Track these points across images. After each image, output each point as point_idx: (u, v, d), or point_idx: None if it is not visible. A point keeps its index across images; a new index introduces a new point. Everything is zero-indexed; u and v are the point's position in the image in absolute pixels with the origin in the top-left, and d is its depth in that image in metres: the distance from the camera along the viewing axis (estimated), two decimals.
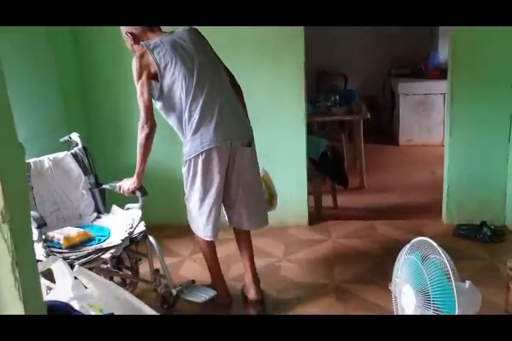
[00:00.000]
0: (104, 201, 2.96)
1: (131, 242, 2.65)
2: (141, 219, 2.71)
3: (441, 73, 6.22)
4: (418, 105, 6.43)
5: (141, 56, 2.51)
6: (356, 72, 7.00)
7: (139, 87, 2.51)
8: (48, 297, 1.66)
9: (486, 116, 3.62)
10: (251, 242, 2.97)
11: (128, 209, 2.85)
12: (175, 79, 2.53)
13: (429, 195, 4.55)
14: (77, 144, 2.93)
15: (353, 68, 6.95)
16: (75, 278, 1.66)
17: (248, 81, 3.67)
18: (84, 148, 2.92)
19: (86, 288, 1.65)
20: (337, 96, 5.10)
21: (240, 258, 3.07)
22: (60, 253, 2.42)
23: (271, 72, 3.70)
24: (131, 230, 2.64)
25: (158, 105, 2.65)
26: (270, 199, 3.15)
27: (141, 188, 2.70)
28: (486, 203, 3.77)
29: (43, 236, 2.37)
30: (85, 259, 2.40)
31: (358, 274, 3.20)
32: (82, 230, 2.59)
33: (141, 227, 2.69)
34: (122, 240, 2.55)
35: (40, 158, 2.82)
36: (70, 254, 2.42)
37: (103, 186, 2.91)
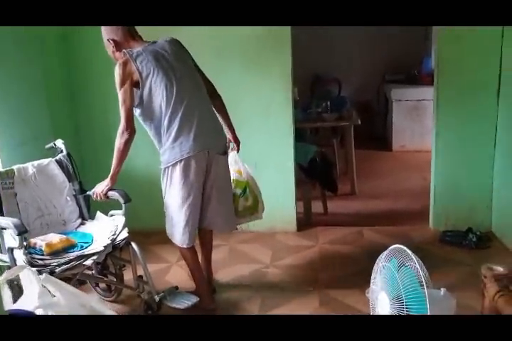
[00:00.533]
0: (89, 207, 2.98)
1: (114, 249, 2.66)
2: (125, 225, 2.73)
3: (433, 79, 6.28)
4: (411, 111, 6.44)
5: (124, 64, 2.57)
6: (351, 77, 7.03)
7: (122, 94, 2.57)
8: (15, 305, 1.68)
9: (472, 122, 3.64)
10: (212, 244, 3.17)
11: (112, 215, 2.87)
12: (156, 89, 2.59)
13: (419, 201, 4.54)
14: (61, 151, 2.95)
15: (347, 74, 6.99)
16: (43, 286, 1.67)
17: (235, 88, 3.73)
18: (68, 154, 2.94)
19: (53, 296, 1.66)
20: (328, 103, 5.14)
21: (227, 264, 3.41)
22: (42, 259, 2.43)
23: (258, 78, 3.72)
24: (114, 237, 2.65)
25: (136, 112, 2.70)
26: (255, 205, 3.17)
27: (124, 195, 2.72)
28: (472, 209, 3.78)
29: (25, 243, 2.37)
30: (67, 266, 2.42)
31: (343, 280, 3.20)
32: (64, 237, 2.60)
33: (124, 234, 2.70)
34: (105, 247, 2.56)
35: (24, 165, 2.84)
36: (52, 261, 2.43)
37: (87, 193, 2.92)
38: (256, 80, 3.73)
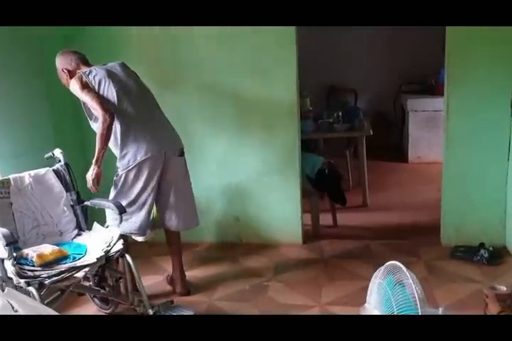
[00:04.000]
0: (86, 218, 2.94)
1: (108, 261, 2.61)
2: (120, 237, 2.68)
3: None
4: (428, 122, 6.29)
5: (79, 78, 2.84)
6: (367, 87, 6.96)
7: (87, 93, 2.79)
8: None
9: (484, 134, 3.51)
10: (180, 244, 3.27)
11: (108, 226, 2.82)
12: (108, 97, 2.83)
13: (431, 214, 4.39)
14: (59, 160, 2.92)
15: (363, 84, 6.91)
16: (7, 300, 1.62)
17: (239, 98, 3.68)
18: (66, 164, 2.91)
19: (16, 311, 1.62)
20: (340, 113, 5.04)
21: (227, 278, 3.42)
22: (32, 271, 2.39)
23: (262, 88, 3.66)
24: (108, 248, 2.60)
25: (94, 126, 2.91)
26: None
27: (119, 206, 2.68)
28: (485, 224, 3.64)
29: (14, 254, 2.33)
30: (57, 278, 2.37)
31: (346, 297, 3.10)
32: (57, 248, 2.55)
33: (119, 246, 2.65)
34: (98, 259, 2.51)
35: (21, 174, 2.81)
36: (42, 272, 2.38)
37: (85, 203, 2.89)
38: (260, 90, 3.67)
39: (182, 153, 3.09)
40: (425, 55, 6.54)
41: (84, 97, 2.81)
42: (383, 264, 3.47)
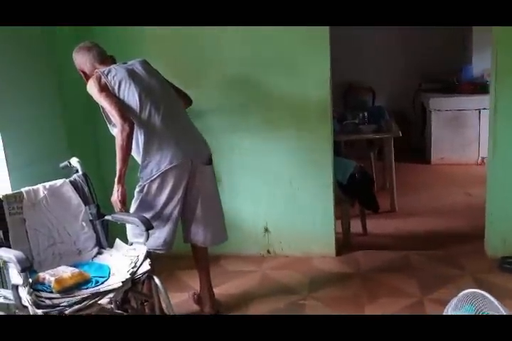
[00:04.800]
0: (107, 234, 2.65)
1: (134, 284, 2.32)
2: (147, 256, 2.40)
3: (475, 88, 5.95)
4: (451, 121, 6.08)
5: (97, 78, 2.58)
6: (385, 86, 6.75)
7: (105, 98, 2.54)
8: None
9: None
10: (208, 259, 3.02)
11: (132, 244, 2.54)
12: (130, 99, 2.58)
13: (466, 220, 4.18)
14: (77, 170, 2.64)
15: (381, 82, 6.68)
16: None
17: (268, 99, 3.40)
18: (84, 174, 2.63)
19: None
20: (365, 113, 4.78)
21: (258, 295, 3.14)
22: (50, 298, 2.10)
23: (293, 87, 3.38)
24: (134, 270, 2.32)
25: (114, 131, 2.63)
26: None
27: (145, 221, 2.41)
28: None
29: (30, 280, 2.06)
30: (79, 306, 2.08)
31: None
32: (77, 270, 2.27)
33: (146, 266, 2.35)
34: (123, 282, 2.22)
35: (35, 187, 2.53)
36: (62, 300, 2.09)
37: (106, 217, 2.61)
38: (290, 89, 3.39)
39: (210, 161, 2.83)
40: (446, 52, 6.34)
41: (103, 102, 2.55)
42: (427, 278, 3.27)
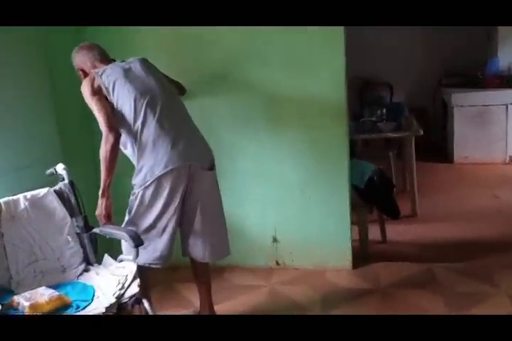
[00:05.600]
0: (96, 249, 2.38)
1: (121, 308, 2.04)
2: (136, 276, 2.12)
3: (501, 81, 5.65)
4: (475, 118, 5.76)
5: (91, 79, 2.44)
6: (403, 81, 6.48)
7: (96, 101, 2.38)
8: None
9: None
10: (209, 276, 2.77)
11: (121, 261, 2.27)
12: (125, 100, 2.40)
13: (496, 226, 3.87)
14: (63, 178, 2.37)
15: (399, 77, 6.42)
16: None
17: (277, 96, 3.10)
18: (71, 183, 2.36)
19: None
20: (384, 110, 4.48)
21: (266, 313, 2.83)
22: None
23: (305, 84, 3.07)
24: (121, 292, 2.05)
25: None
26: None
27: (134, 236, 2.12)
28: None
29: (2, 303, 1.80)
30: None
31: None
32: (56, 294, 2.00)
33: (134, 288, 2.08)
34: (106, 308, 1.95)
35: (15, 197, 2.27)
36: None
37: (94, 230, 2.34)
38: (302, 87, 3.08)
39: (212, 166, 2.56)
40: (468, 43, 6.01)
41: (93, 106, 2.39)
42: (455, 296, 2.91)
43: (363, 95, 6.42)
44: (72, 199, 2.35)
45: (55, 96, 2.98)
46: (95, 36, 2.90)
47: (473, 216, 4.15)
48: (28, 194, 2.30)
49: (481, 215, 4.15)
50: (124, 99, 2.39)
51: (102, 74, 2.42)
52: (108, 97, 2.41)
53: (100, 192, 2.36)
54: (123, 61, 2.55)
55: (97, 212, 2.37)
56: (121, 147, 2.49)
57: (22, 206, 2.26)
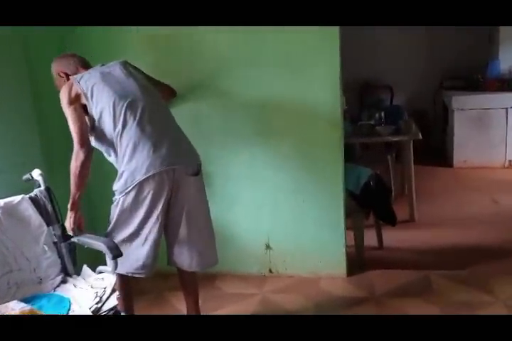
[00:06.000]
0: (74, 259, 2.27)
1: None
2: (114, 289, 2.01)
3: (502, 85, 5.59)
4: (475, 121, 5.68)
5: (69, 85, 2.36)
6: (404, 84, 6.41)
7: (71, 111, 2.30)
8: None
9: None
10: (197, 285, 2.66)
11: (100, 272, 2.16)
12: (104, 105, 2.31)
13: (495, 232, 3.77)
14: (39, 185, 2.26)
15: (400, 80, 6.36)
16: None
17: (269, 99, 2.99)
18: (47, 189, 2.25)
19: None
20: (382, 113, 4.37)
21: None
22: None
23: (297, 88, 2.95)
24: (98, 306, 1.94)
25: (92, 142, 2.39)
26: None
27: (112, 247, 2.02)
28: None
29: None
30: None
31: None
32: (27, 308, 1.89)
33: (113, 301, 1.97)
34: None
35: None
36: None
37: (72, 239, 2.23)
38: (295, 91, 2.96)
39: (198, 172, 2.44)
40: (469, 46, 5.92)
41: (68, 116, 2.32)
42: (451, 305, 2.76)
43: (363, 98, 6.33)
44: (49, 207, 2.24)
45: (36, 98, 2.87)
46: (80, 37, 2.82)
47: (472, 221, 4.05)
48: (1, 201, 2.19)
49: (480, 221, 4.05)
50: (104, 103, 2.30)
51: (80, 79, 2.34)
52: (87, 104, 2.33)
53: (69, 206, 2.30)
54: (103, 65, 2.47)
55: (66, 224, 2.31)
56: (105, 154, 2.43)
57: None
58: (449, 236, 3.77)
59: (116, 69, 2.42)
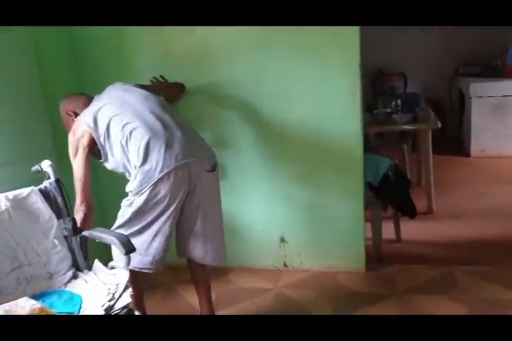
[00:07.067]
0: (86, 253, 2.18)
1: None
2: (128, 286, 1.91)
3: None
4: (494, 109, 5.54)
5: (82, 134, 2.31)
6: (418, 71, 6.27)
7: (79, 163, 2.29)
8: None
9: None
10: (208, 280, 2.60)
11: (112, 268, 2.06)
12: (110, 116, 2.29)
13: None
14: (49, 177, 2.16)
15: (413, 67, 6.22)
16: None
17: (286, 87, 2.87)
18: (57, 181, 2.15)
19: None
20: (398, 101, 4.23)
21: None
22: None
23: (316, 74, 2.82)
24: (111, 303, 1.84)
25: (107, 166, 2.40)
26: None
27: (125, 242, 1.92)
28: None
29: None
30: None
31: None
32: (38, 306, 1.80)
33: (126, 299, 1.87)
34: None
35: None
36: None
37: (83, 233, 2.14)
38: (313, 77, 2.83)
39: (214, 168, 2.39)
40: (487, 31, 5.68)
41: (74, 164, 2.31)
42: (479, 304, 2.59)
43: (375, 85, 6.18)
44: (59, 200, 2.14)
45: (48, 96, 2.80)
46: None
47: (493, 213, 3.93)
48: (10, 194, 2.09)
49: (501, 212, 3.93)
50: (109, 114, 2.30)
51: (94, 124, 2.30)
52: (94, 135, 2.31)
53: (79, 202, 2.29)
54: (99, 93, 2.47)
55: (78, 222, 2.25)
56: (126, 174, 2.40)
57: (3, 207, 2.04)
58: (469, 229, 3.65)
59: (115, 88, 2.45)
